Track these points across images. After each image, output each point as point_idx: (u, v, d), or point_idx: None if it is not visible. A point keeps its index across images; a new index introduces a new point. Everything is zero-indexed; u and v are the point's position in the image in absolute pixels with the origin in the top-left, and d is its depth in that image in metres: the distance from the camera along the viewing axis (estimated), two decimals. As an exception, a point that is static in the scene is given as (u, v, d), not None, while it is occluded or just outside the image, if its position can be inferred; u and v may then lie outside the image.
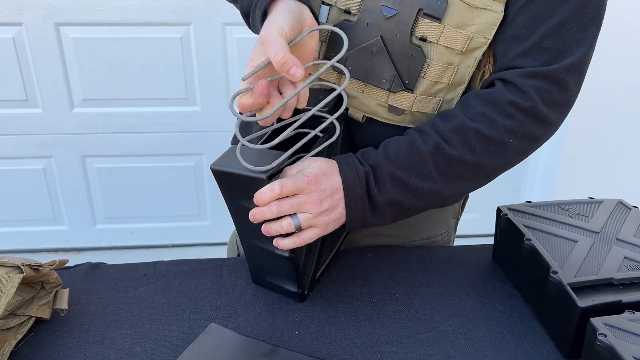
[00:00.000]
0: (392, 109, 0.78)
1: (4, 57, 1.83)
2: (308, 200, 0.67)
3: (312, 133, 0.72)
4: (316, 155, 0.72)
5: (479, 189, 0.77)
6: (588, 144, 2.06)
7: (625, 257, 0.74)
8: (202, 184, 2.13)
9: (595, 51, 0.72)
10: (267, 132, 0.76)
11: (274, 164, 0.65)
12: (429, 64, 0.74)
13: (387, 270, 0.85)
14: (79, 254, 2.18)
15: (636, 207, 0.87)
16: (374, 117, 0.80)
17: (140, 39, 1.86)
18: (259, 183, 0.65)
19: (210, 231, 2.23)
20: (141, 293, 0.79)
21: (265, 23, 0.66)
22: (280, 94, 0.69)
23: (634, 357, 0.57)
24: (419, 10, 0.71)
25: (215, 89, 1.96)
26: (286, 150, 0.68)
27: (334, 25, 0.74)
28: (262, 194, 0.65)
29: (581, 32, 0.69)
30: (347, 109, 0.81)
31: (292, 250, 0.71)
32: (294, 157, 0.73)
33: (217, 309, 0.76)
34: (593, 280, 0.70)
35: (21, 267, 0.69)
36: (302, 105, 0.70)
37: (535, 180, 2.24)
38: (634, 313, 0.64)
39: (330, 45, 0.77)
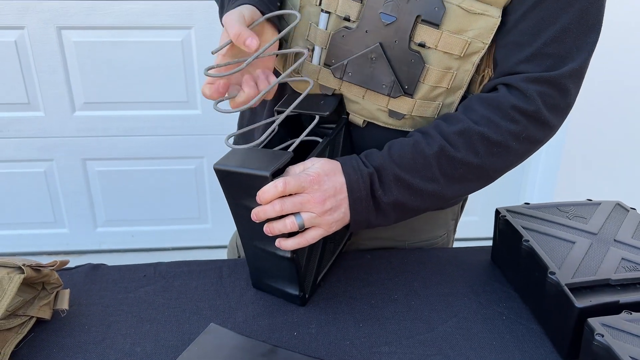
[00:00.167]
0: (392, 113, 0.79)
1: (6, 61, 1.84)
2: (311, 200, 0.67)
3: (300, 137, 0.73)
4: (318, 156, 0.73)
5: (480, 191, 0.78)
6: (588, 147, 2.06)
7: (622, 258, 0.75)
8: (202, 187, 2.14)
9: (596, 53, 0.74)
10: (269, 137, 0.78)
11: (278, 163, 0.66)
12: (428, 69, 0.75)
13: (386, 271, 0.85)
14: (80, 256, 2.19)
15: (634, 208, 0.87)
16: (375, 122, 0.81)
17: (142, 43, 1.87)
18: (262, 181, 0.66)
19: (210, 234, 2.23)
20: (141, 294, 0.79)
21: (229, 11, 0.72)
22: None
23: (630, 357, 0.57)
24: (417, 16, 0.72)
25: (216, 93, 1.97)
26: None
27: (332, 33, 0.76)
28: (265, 192, 0.66)
29: (582, 38, 0.71)
30: (347, 113, 0.82)
31: (294, 251, 0.71)
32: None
33: (216, 309, 0.76)
34: (591, 281, 0.71)
35: (22, 267, 0.69)
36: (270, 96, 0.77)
37: (535, 183, 2.24)
38: (631, 313, 0.64)
39: (330, 51, 0.78)
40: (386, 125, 0.81)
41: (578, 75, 0.73)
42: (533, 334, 0.74)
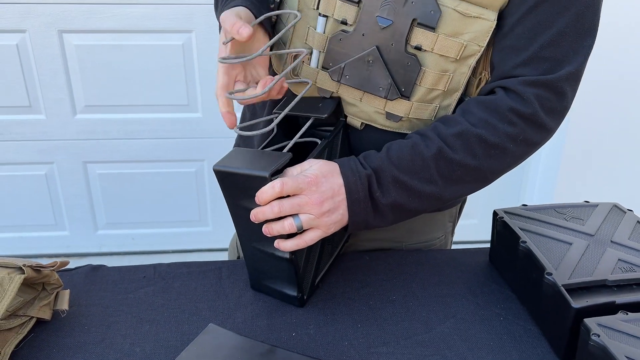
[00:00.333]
0: (389, 116, 0.80)
1: (8, 64, 1.85)
2: (309, 202, 0.68)
3: (295, 138, 0.74)
4: (316, 158, 0.74)
5: (480, 194, 0.79)
6: (588, 148, 2.07)
7: (619, 259, 0.75)
8: (203, 190, 2.15)
9: (595, 56, 0.74)
10: (269, 139, 0.79)
11: (277, 163, 0.67)
12: (425, 72, 0.76)
13: (384, 272, 0.85)
14: (80, 259, 2.19)
15: (631, 210, 0.87)
16: (373, 124, 0.82)
17: (143, 46, 1.88)
18: (261, 182, 0.66)
19: (211, 237, 2.24)
20: (141, 295, 0.79)
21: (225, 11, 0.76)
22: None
23: (626, 357, 0.58)
24: (413, 20, 0.73)
25: (217, 96, 1.98)
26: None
27: (330, 37, 0.76)
28: (264, 192, 0.66)
29: (578, 42, 0.72)
30: (345, 116, 0.83)
31: (292, 252, 0.71)
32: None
33: (215, 310, 0.77)
34: (587, 281, 0.71)
35: (23, 268, 0.70)
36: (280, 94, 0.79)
37: (535, 185, 2.25)
38: (627, 314, 0.64)
39: (328, 54, 0.79)
40: (384, 128, 0.81)
41: (575, 79, 0.73)
42: (530, 335, 0.74)
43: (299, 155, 0.76)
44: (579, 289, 0.70)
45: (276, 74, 0.86)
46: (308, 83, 0.78)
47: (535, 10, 0.71)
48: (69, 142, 2.00)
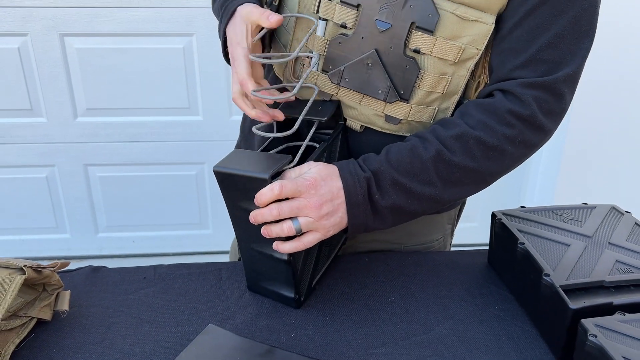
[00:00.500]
0: (388, 118, 0.80)
1: (9, 67, 1.86)
2: (308, 205, 0.68)
3: (305, 142, 0.75)
4: (315, 161, 0.74)
5: (480, 197, 0.79)
6: (588, 150, 2.07)
7: (616, 261, 0.75)
8: (203, 193, 2.15)
9: (595, 56, 0.75)
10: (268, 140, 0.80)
11: (277, 166, 0.67)
12: (423, 75, 0.76)
13: (383, 274, 0.86)
14: (81, 261, 2.18)
15: (629, 212, 0.88)
16: (372, 127, 0.82)
17: (144, 50, 1.88)
18: (261, 183, 0.67)
19: (211, 240, 2.24)
20: (141, 296, 0.80)
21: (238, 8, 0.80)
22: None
23: (623, 357, 0.58)
24: (412, 23, 0.73)
25: (217, 99, 1.98)
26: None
27: (330, 40, 0.77)
28: (263, 194, 0.67)
29: (576, 44, 0.72)
30: (345, 119, 0.83)
31: (290, 254, 0.72)
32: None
33: (215, 311, 0.77)
34: (585, 282, 0.71)
35: (23, 268, 0.70)
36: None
37: (535, 187, 2.25)
38: (624, 314, 0.65)
39: (327, 57, 0.79)
40: (383, 130, 0.82)
41: (572, 80, 0.74)
42: (528, 336, 0.74)
43: (298, 157, 0.76)
44: (576, 290, 0.71)
45: (277, 77, 0.87)
46: (313, 88, 0.79)
47: (534, 13, 0.71)
48: (70, 145, 2.01)
